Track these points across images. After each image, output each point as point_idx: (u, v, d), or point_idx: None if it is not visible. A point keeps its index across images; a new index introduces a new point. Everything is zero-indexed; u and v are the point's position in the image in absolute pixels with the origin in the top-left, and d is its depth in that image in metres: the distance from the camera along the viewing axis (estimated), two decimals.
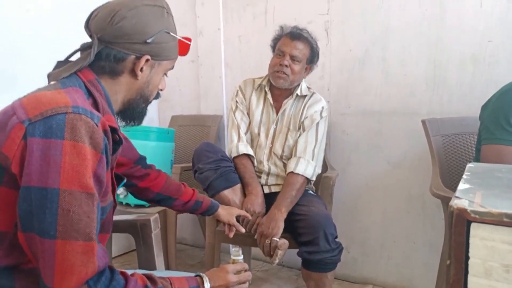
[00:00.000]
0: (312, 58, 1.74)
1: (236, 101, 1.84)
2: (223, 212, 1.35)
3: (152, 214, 1.07)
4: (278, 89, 1.78)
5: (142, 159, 1.20)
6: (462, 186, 0.64)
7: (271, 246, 1.49)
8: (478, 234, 0.52)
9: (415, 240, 2.00)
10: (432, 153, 1.65)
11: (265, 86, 1.81)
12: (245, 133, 1.81)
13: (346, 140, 2.11)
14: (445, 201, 1.50)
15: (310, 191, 1.75)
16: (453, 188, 1.60)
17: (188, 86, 2.65)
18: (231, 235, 1.37)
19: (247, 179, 1.68)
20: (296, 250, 1.54)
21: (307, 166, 1.67)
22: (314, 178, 1.72)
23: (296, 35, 1.70)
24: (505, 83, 1.35)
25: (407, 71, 1.95)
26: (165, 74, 0.97)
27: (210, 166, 1.63)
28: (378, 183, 2.07)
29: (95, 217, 0.71)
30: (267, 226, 1.53)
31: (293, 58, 1.68)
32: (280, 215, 1.56)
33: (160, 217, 2.16)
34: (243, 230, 1.41)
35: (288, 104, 1.78)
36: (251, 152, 1.74)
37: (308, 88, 1.82)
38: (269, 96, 1.80)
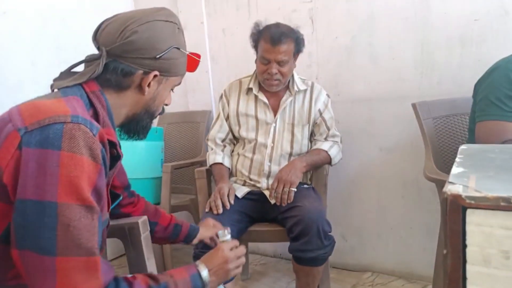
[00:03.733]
0: (298, 48, 1.66)
1: (219, 108, 1.83)
2: (203, 230, 1.31)
3: (141, 217, 1.04)
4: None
5: (129, 187, 1.17)
6: (455, 170, 0.62)
7: (288, 195, 1.52)
8: (474, 221, 0.50)
9: (411, 225, 1.99)
10: (424, 137, 1.63)
11: (252, 89, 1.74)
12: (223, 140, 1.83)
13: (338, 128, 2.08)
14: (440, 184, 1.48)
15: (305, 185, 1.73)
16: (447, 171, 1.58)
17: None
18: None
19: (216, 181, 1.73)
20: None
21: (337, 154, 1.76)
22: (332, 165, 1.78)
23: (276, 39, 1.55)
24: (493, 62, 1.33)
25: (395, 56, 1.92)
26: (172, 89, 0.95)
27: None
28: (371, 170, 2.05)
29: (96, 231, 0.68)
30: (286, 173, 1.56)
31: (279, 63, 1.60)
32: (300, 165, 1.61)
33: None
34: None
35: (287, 102, 1.73)
36: (218, 160, 1.76)
37: (302, 79, 1.78)
38: (261, 97, 1.74)
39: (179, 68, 0.91)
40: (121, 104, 0.86)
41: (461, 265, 0.51)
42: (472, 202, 0.49)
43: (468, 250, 0.51)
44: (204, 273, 0.87)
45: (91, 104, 0.81)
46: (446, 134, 1.67)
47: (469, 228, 0.50)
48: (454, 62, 1.80)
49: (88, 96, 0.81)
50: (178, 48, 0.88)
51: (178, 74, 0.92)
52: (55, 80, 0.85)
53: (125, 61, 0.82)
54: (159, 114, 0.97)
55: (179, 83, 0.96)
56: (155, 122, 2.59)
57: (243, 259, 1.00)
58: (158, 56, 0.84)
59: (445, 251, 0.52)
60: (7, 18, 1.93)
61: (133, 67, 0.83)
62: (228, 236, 1.09)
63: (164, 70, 0.87)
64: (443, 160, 1.64)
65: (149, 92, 0.87)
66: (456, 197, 0.50)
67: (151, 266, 1.04)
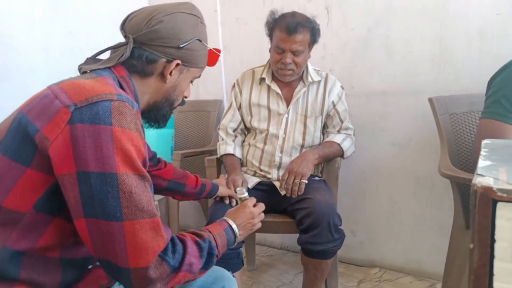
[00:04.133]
0: (314, 39, 1.63)
1: (231, 98, 1.81)
2: (221, 189, 1.48)
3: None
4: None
5: (155, 156, 1.28)
6: (482, 163, 0.59)
7: (299, 187, 1.50)
8: (505, 215, 0.47)
9: (422, 222, 1.96)
10: (440, 133, 1.60)
11: (265, 78, 1.72)
12: (235, 130, 1.80)
13: (350, 121, 2.06)
14: (455, 181, 1.45)
15: (316, 177, 1.71)
16: (462, 168, 1.55)
17: None
18: (234, 203, 1.50)
19: (228, 172, 1.70)
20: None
21: (350, 147, 1.73)
22: (344, 158, 1.76)
23: (292, 29, 1.53)
24: None
25: (411, 49, 1.88)
26: (191, 81, 1.00)
27: None
28: (384, 165, 2.02)
29: (151, 196, 0.75)
30: (297, 164, 1.54)
31: (294, 52, 1.58)
32: (312, 156, 1.59)
33: (162, 205, 2.14)
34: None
35: (301, 93, 1.70)
36: (229, 150, 1.75)
37: (316, 70, 1.75)
38: (274, 87, 1.71)
39: (199, 60, 0.95)
40: (144, 91, 0.91)
41: (488, 260, 0.49)
42: (504, 195, 0.47)
43: (496, 245, 0.48)
44: (234, 226, 0.95)
45: (121, 88, 0.86)
46: (463, 131, 1.63)
47: (499, 222, 0.48)
48: (473, 57, 1.75)
49: (118, 80, 0.86)
50: (200, 41, 0.93)
51: (198, 66, 0.96)
52: (81, 65, 0.90)
53: (149, 48, 0.87)
54: (179, 105, 1.01)
55: (199, 76, 1.00)
56: None
57: (263, 214, 1.10)
58: (181, 46, 0.89)
59: (471, 246, 0.50)
60: (20, 2, 1.92)
61: (156, 54, 0.88)
62: (246, 194, 1.19)
63: (185, 60, 0.91)
64: (459, 157, 1.61)
65: (170, 80, 0.92)
66: (487, 190, 0.48)
67: None
